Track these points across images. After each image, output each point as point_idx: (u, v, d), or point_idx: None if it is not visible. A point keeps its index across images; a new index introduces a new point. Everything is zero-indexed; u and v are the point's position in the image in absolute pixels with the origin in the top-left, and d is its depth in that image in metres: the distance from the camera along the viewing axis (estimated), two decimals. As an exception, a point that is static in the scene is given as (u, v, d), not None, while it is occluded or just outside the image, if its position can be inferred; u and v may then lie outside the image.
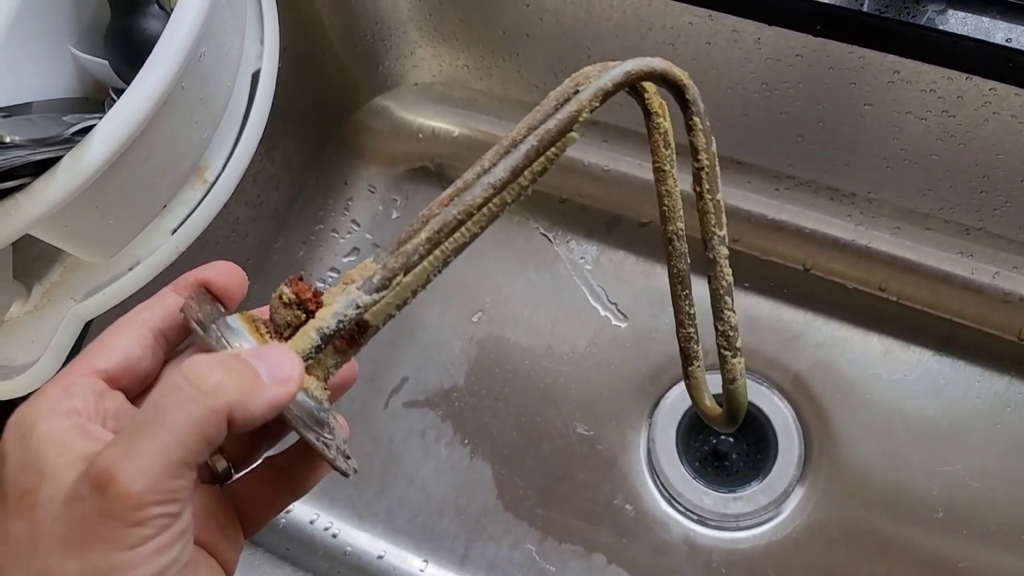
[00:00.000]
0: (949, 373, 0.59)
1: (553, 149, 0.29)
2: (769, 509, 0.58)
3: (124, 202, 0.39)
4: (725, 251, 0.35)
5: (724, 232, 0.35)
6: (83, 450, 0.22)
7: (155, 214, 0.42)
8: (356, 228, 0.67)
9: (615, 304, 0.63)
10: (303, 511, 0.60)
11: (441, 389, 0.62)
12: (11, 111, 0.37)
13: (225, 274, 0.28)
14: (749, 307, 0.62)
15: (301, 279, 0.27)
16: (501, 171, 0.29)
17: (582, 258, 0.65)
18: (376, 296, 0.26)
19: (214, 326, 0.25)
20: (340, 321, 0.26)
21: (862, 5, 0.45)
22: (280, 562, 0.58)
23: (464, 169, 0.67)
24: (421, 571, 0.58)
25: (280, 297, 0.26)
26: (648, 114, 0.33)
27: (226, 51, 0.42)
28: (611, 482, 0.60)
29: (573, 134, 0.29)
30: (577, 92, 0.29)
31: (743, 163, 0.62)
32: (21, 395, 0.42)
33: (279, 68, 0.47)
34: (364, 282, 0.26)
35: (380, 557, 0.59)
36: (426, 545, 0.59)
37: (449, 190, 0.31)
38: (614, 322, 0.63)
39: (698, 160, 0.33)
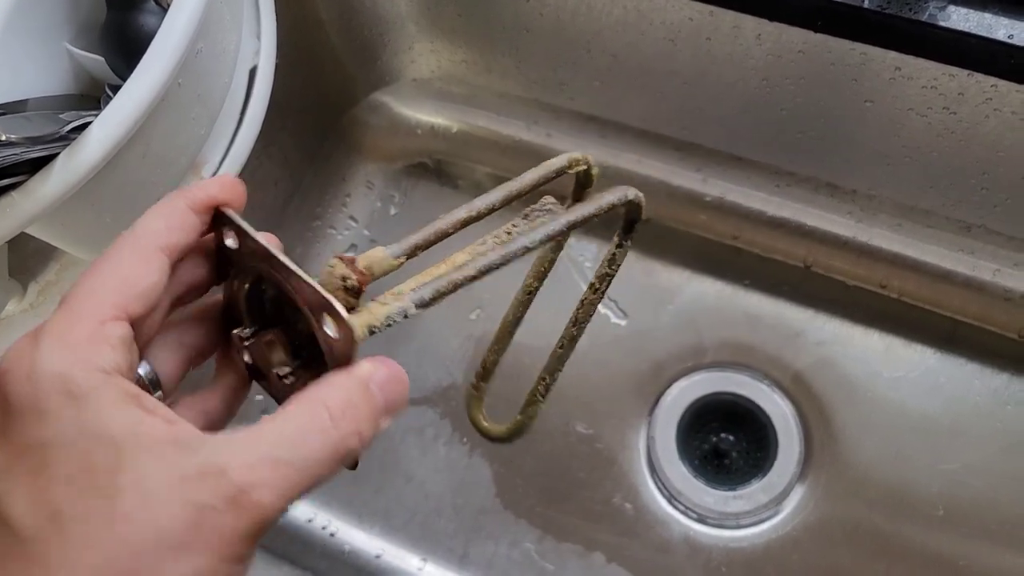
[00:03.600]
0: (950, 371, 0.59)
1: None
2: (769, 507, 0.58)
3: (121, 199, 0.39)
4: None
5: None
6: (159, 435, 0.21)
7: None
8: (354, 224, 0.67)
9: (615, 302, 0.63)
10: (301, 510, 0.59)
11: (439, 387, 0.62)
12: (7, 108, 0.37)
13: (231, 190, 0.25)
14: (749, 305, 0.62)
15: (354, 261, 0.27)
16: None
17: (581, 255, 0.65)
18: (421, 311, 0.27)
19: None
20: (388, 324, 0.26)
21: (863, 2, 0.44)
22: (278, 561, 0.57)
23: (462, 165, 0.67)
24: (419, 570, 0.58)
25: (344, 280, 0.26)
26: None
27: (223, 47, 0.41)
28: (611, 480, 0.59)
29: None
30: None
31: (743, 159, 0.61)
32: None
33: (276, 64, 0.47)
34: (416, 295, 0.27)
35: (378, 556, 0.58)
36: (424, 544, 0.58)
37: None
38: (614, 320, 0.62)
39: (609, 271, 0.37)
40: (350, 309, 0.25)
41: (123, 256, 0.23)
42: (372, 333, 0.25)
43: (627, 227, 0.37)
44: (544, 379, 0.42)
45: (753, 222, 0.63)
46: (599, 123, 0.64)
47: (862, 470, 0.58)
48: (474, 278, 0.30)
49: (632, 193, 0.34)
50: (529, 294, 0.40)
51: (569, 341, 0.41)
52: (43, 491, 0.20)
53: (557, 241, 0.35)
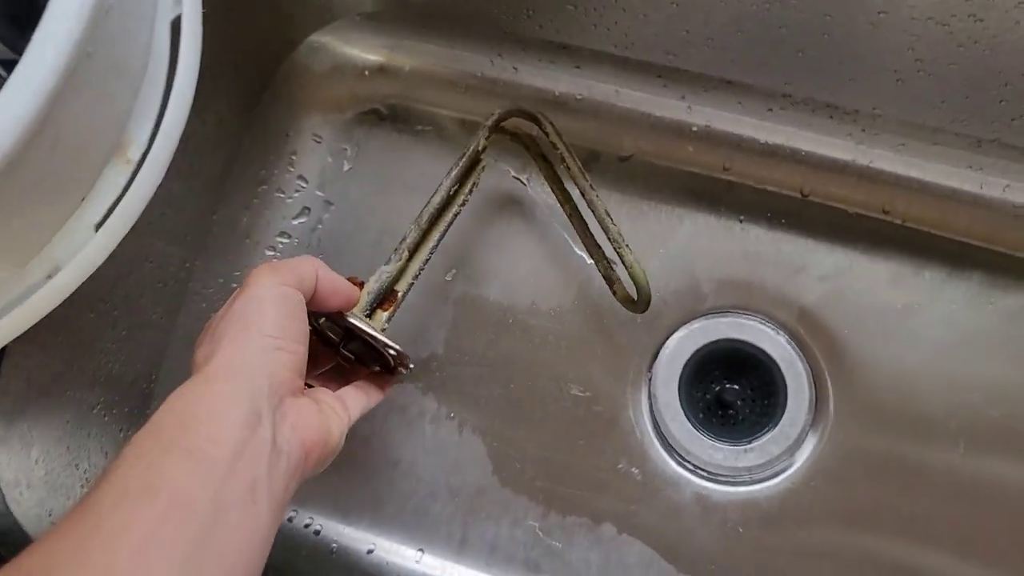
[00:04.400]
0: (961, 296, 0.55)
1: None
2: (782, 459, 0.54)
3: (31, 200, 0.31)
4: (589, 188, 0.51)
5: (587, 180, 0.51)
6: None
7: (72, 208, 0.34)
8: (304, 185, 0.59)
9: (601, 249, 0.57)
10: (280, 510, 0.54)
11: (419, 359, 0.56)
12: None
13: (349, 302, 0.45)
14: (746, 242, 0.57)
15: (354, 278, 0.46)
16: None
17: (577, 199, 0.58)
18: (393, 267, 0.48)
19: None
20: (378, 285, 0.47)
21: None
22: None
23: (421, 108, 0.60)
24: (417, 562, 0.53)
25: (370, 304, 0.47)
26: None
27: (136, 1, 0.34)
28: (613, 445, 0.55)
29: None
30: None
31: (733, 82, 0.56)
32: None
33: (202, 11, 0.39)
34: (386, 261, 0.47)
35: (370, 551, 0.53)
36: (419, 533, 0.54)
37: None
38: (621, 276, 0.57)
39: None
40: (380, 308, 0.48)
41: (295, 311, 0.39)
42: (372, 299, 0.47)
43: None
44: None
45: (745, 151, 0.58)
46: (571, 52, 0.57)
47: (877, 409, 0.54)
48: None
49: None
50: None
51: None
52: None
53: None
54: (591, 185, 0.51)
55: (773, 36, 0.49)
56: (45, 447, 0.43)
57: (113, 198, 0.36)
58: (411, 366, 0.49)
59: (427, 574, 0.53)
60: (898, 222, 0.57)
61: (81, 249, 0.35)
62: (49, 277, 0.35)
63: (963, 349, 0.55)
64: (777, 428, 0.55)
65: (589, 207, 0.51)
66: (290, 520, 0.54)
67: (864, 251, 0.57)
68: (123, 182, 0.36)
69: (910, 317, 0.55)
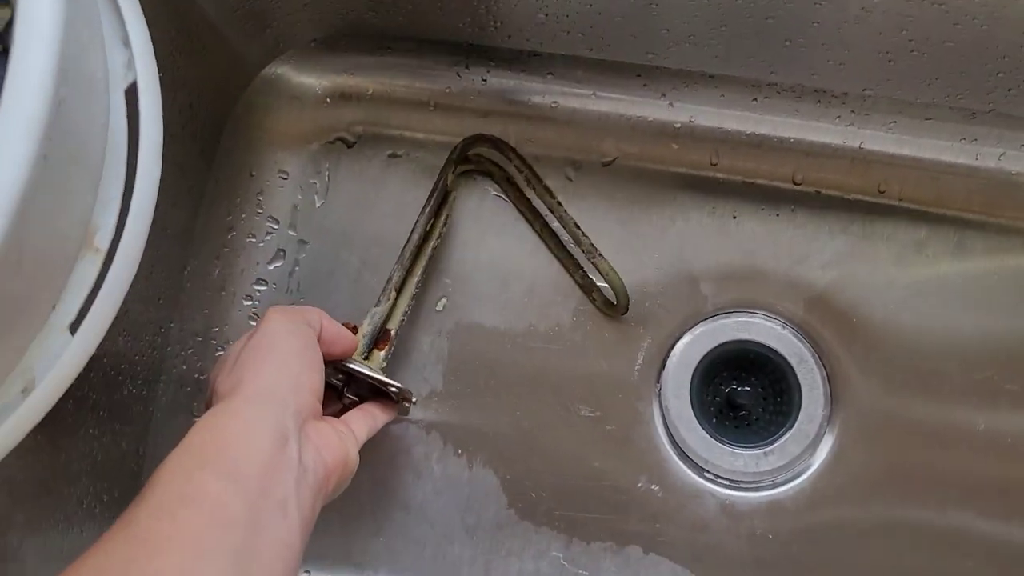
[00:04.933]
0: (966, 271, 0.54)
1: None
2: (803, 457, 0.53)
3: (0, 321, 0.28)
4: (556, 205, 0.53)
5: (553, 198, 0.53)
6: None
7: (44, 319, 0.31)
8: (275, 226, 0.56)
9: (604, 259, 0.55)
10: None
11: (419, 397, 0.54)
12: None
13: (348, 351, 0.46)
14: (742, 237, 0.55)
15: (348, 324, 0.48)
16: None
17: (546, 215, 0.56)
18: (383, 307, 0.49)
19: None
20: (372, 327, 0.49)
21: None
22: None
23: (389, 132, 0.56)
24: (443, 610, 0.51)
25: (367, 346, 0.49)
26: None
27: (90, 78, 0.30)
28: (630, 463, 0.53)
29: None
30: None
31: (715, 76, 0.53)
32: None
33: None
34: (376, 303, 0.49)
35: (393, 605, 0.51)
36: (441, 578, 0.51)
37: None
38: (598, 283, 0.55)
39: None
40: (376, 349, 0.49)
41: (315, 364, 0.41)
42: (368, 340, 0.49)
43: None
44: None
45: (732, 144, 0.56)
46: (543, 59, 0.55)
47: (894, 397, 0.53)
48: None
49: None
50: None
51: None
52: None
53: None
54: (558, 202, 0.53)
55: (759, 28, 0.47)
56: (38, 558, 0.40)
57: (85, 294, 0.33)
58: (414, 400, 0.50)
59: (455, 621, 0.51)
60: (894, 201, 0.55)
61: (58, 356, 0.32)
62: (24, 392, 0.32)
63: (973, 325, 0.54)
64: (795, 427, 0.54)
65: (560, 223, 0.53)
66: (304, 583, 0.51)
67: (863, 234, 0.55)
68: (94, 273, 0.33)
69: (917, 296, 0.54)
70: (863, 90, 0.52)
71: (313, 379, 0.39)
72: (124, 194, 0.34)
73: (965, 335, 0.53)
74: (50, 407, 0.32)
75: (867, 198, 0.55)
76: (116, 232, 0.33)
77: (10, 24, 0.29)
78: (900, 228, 0.55)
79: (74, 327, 0.32)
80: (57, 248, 0.30)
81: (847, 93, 0.52)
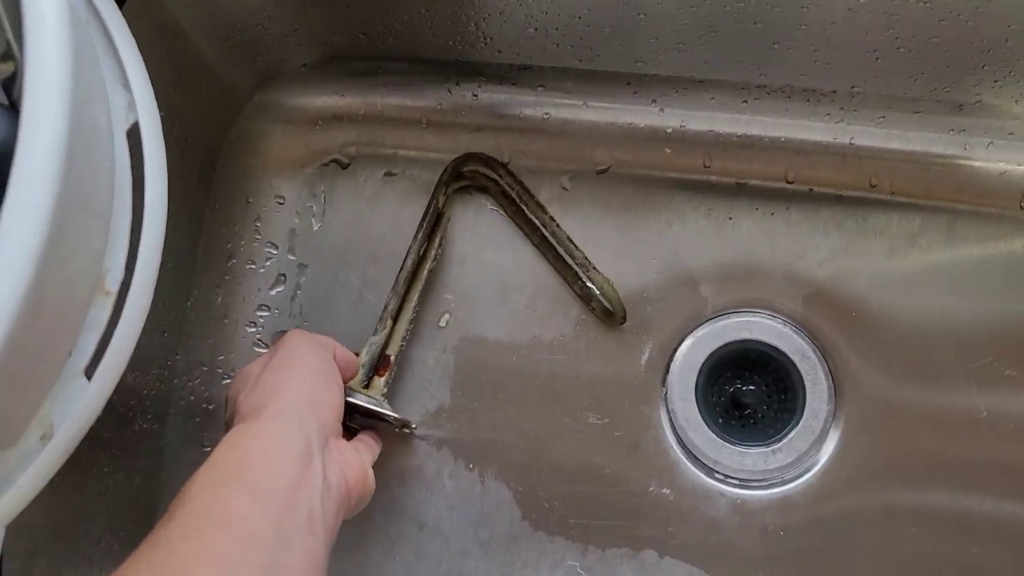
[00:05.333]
0: (960, 260, 0.55)
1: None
2: (811, 453, 0.53)
3: (17, 379, 0.28)
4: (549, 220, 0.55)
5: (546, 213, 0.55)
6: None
7: (61, 366, 0.31)
8: (275, 252, 0.56)
9: (597, 270, 0.55)
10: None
11: (427, 414, 0.54)
12: None
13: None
14: (739, 238, 0.56)
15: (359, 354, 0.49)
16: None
17: (544, 226, 0.56)
18: (380, 336, 0.50)
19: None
20: (370, 356, 0.50)
21: None
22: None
23: (383, 152, 0.57)
24: (463, 626, 0.51)
25: (367, 374, 0.49)
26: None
27: (94, 124, 0.30)
28: (640, 468, 0.54)
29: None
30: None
31: (705, 81, 0.54)
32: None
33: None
34: (373, 332, 0.50)
35: (412, 624, 0.51)
36: (460, 595, 0.52)
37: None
38: (599, 293, 0.55)
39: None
40: (376, 375, 0.50)
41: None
42: (367, 368, 0.50)
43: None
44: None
45: (723, 146, 0.56)
46: (533, 72, 0.55)
47: (896, 388, 0.54)
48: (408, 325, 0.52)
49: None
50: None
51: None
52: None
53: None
54: (551, 217, 0.55)
55: (747, 32, 0.48)
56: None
57: (99, 337, 0.33)
58: (413, 426, 0.52)
59: (476, 637, 0.51)
60: (886, 196, 0.56)
61: (75, 402, 0.32)
62: (44, 439, 0.32)
63: (969, 313, 0.54)
64: (800, 423, 0.54)
65: (552, 238, 0.54)
66: (323, 606, 0.51)
67: (857, 229, 0.56)
68: (106, 316, 0.33)
69: (913, 287, 0.55)
70: (851, 87, 0.52)
71: (335, 397, 0.41)
72: (132, 234, 0.34)
73: (962, 322, 0.54)
74: (70, 452, 0.32)
75: (860, 193, 0.56)
76: (126, 273, 0.34)
77: (12, 77, 0.29)
78: (893, 221, 0.55)
79: (89, 371, 0.32)
80: (72, 296, 0.30)
81: (836, 91, 0.53)
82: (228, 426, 0.39)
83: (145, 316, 0.34)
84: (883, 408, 0.53)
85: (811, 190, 0.56)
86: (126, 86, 0.34)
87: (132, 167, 0.35)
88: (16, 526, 0.36)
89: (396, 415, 0.48)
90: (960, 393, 0.53)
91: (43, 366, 0.30)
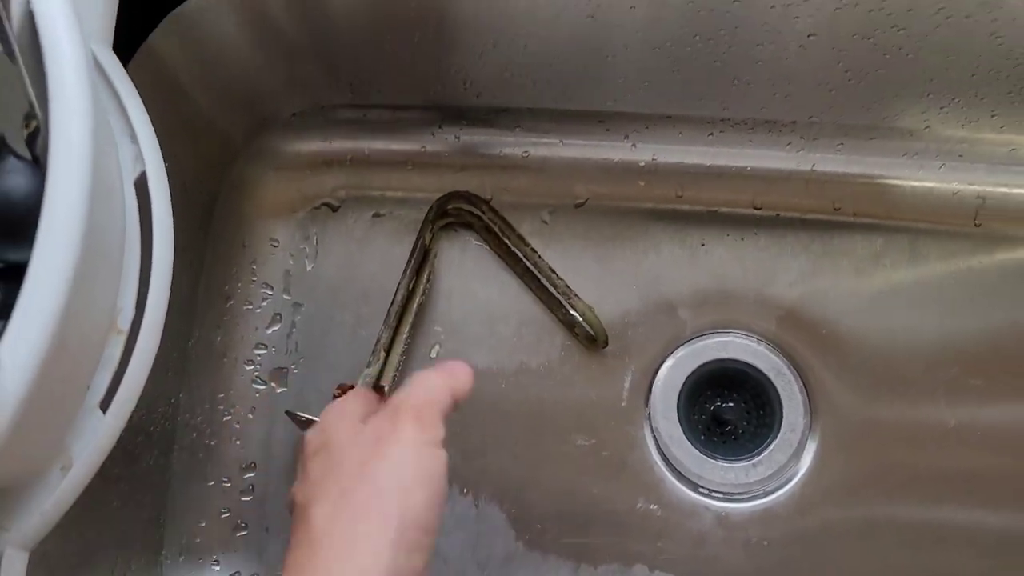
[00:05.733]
0: (922, 277, 0.58)
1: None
2: (790, 465, 0.56)
3: (43, 415, 0.30)
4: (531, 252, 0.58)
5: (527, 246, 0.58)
6: None
7: (80, 401, 0.33)
8: (270, 293, 0.58)
9: (579, 298, 0.58)
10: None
11: (421, 442, 0.56)
12: None
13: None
14: (712, 263, 0.59)
15: (342, 386, 0.49)
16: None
17: (526, 258, 0.59)
18: (374, 368, 0.53)
19: None
20: (364, 387, 0.50)
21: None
22: None
23: (371, 194, 0.59)
24: (463, 646, 0.53)
25: (335, 397, 0.48)
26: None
27: (108, 176, 0.33)
28: (628, 486, 0.56)
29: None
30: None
31: (673, 117, 0.57)
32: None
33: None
34: (367, 364, 0.53)
35: (414, 645, 0.53)
36: (458, 616, 0.54)
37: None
38: (581, 320, 0.58)
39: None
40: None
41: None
42: None
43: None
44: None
45: (693, 177, 0.59)
46: (512, 113, 0.58)
47: (868, 402, 0.56)
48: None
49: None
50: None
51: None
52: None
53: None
54: (532, 249, 0.58)
55: (709, 70, 0.51)
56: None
57: (112, 373, 0.35)
58: None
59: (476, 655, 0.53)
60: (849, 218, 0.59)
61: (92, 434, 0.34)
62: (63, 470, 0.34)
63: (934, 328, 0.57)
64: (779, 436, 0.57)
65: (535, 269, 0.57)
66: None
67: (823, 251, 0.59)
68: (118, 354, 0.35)
69: (879, 304, 0.58)
70: (809, 118, 0.56)
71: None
72: (141, 276, 0.37)
73: (928, 337, 0.57)
74: (87, 482, 0.35)
75: (824, 216, 0.59)
76: (136, 312, 0.36)
77: (35, 134, 0.32)
78: (857, 242, 0.59)
79: (104, 405, 0.35)
80: (89, 337, 0.32)
81: (795, 122, 0.56)
82: (292, 511, 0.36)
83: (155, 353, 0.36)
84: (857, 420, 0.56)
85: (778, 215, 0.59)
86: (133, 138, 0.37)
87: (140, 213, 0.37)
88: (35, 555, 0.38)
89: None
90: (929, 405, 0.56)
91: (64, 402, 0.32)
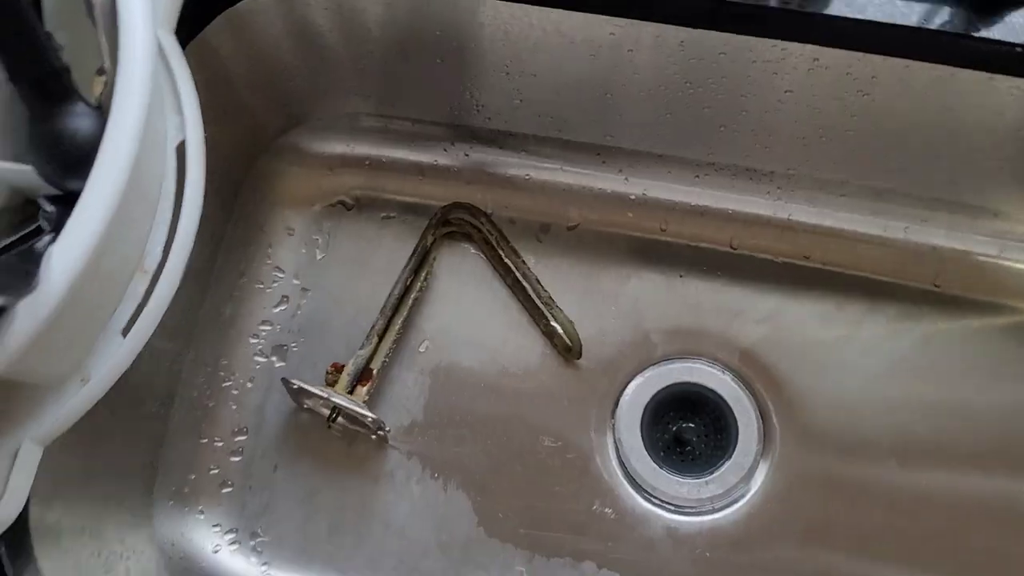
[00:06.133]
0: (881, 327, 0.63)
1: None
2: (739, 487, 0.60)
3: (76, 323, 0.36)
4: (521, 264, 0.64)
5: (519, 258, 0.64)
6: None
7: (104, 324, 0.38)
8: (281, 275, 0.64)
9: (562, 310, 0.63)
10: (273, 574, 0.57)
11: (401, 427, 0.61)
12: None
13: None
14: (688, 294, 0.64)
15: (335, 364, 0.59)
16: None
17: (516, 269, 0.64)
18: (366, 351, 0.59)
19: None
20: (355, 367, 0.58)
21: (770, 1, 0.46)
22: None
23: (383, 197, 0.65)
24: (417, 616, 0.57)
25: (328, 373, 0.60)
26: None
27: (156, 135, 0.39)
28: (587, 488, 0.60)
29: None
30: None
31: (663, 156, 0.63)
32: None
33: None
34: (360, 346, 0.59)
35: (372, 610, 0.57)
36: (416, 588, 0.58)
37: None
38: (561, 331, 0.63)
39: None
40: (359, 385, 0.59)
41: None
42: (352, 378, 0.59)
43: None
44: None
45: (678, 213, 0.65)
46: (518, 138, 0.64)
47: (819, 434, 0.61)
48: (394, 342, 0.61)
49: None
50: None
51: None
52: None
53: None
54: (523, 261, 0.63)
55: (698, 115, 0.57)
56: (72, 538, 0.46)
57: (135, 306, 0.40)
58: (387, 428, 0.59)
59: (428, 625, 0.57)
60: (818, 266, 0.64)
61: (111, 356, 0.39)
62: (83, 382, 0.39)
63: (888, 374, 0.62)
64: (732, 459, 0.61)
65: (524, 279, 0.63)
66: (293, 589, 0.57)
67: (791, 294, 0.64)
68: (142, 291, 0.41)
69: (839, 349, 0.62)
70: (787, 169, 0.61)
71: None
72: (170, 227, 0.42)
73: (879, 384, 0.61)
74: (99, 397, 0.40)
75: (795, 262, 0.64)
76: (162, 258, 0.42)
77: (102, 88, 0.38)
78: (823, 289, 0.63)
79: (125, 332, 0.40)
80: (122, 266, 0.37)
81: (774, 172, 0.62)
82: None
83: (172, 294, 0.42)
84: (806, 452, 0.60)
85: (752, 256, 0.64)
86: (179, 111, 0.43)
87: (177, 175, 0.43)
88: (43, 468, 0.43)
89: (373, 416, 0.55)
90: (875, 441, 0.60)
91: (93, 319, 0.37)
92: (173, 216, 0.42)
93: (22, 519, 0.44)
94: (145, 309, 0.41)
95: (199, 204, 0.43)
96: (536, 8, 0.50)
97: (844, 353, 0.62)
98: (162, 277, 0.41)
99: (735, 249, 0.64)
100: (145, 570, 0.53)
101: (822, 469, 0.60)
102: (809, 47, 0.48)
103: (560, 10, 0.50)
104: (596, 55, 0.53)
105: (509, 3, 0.51)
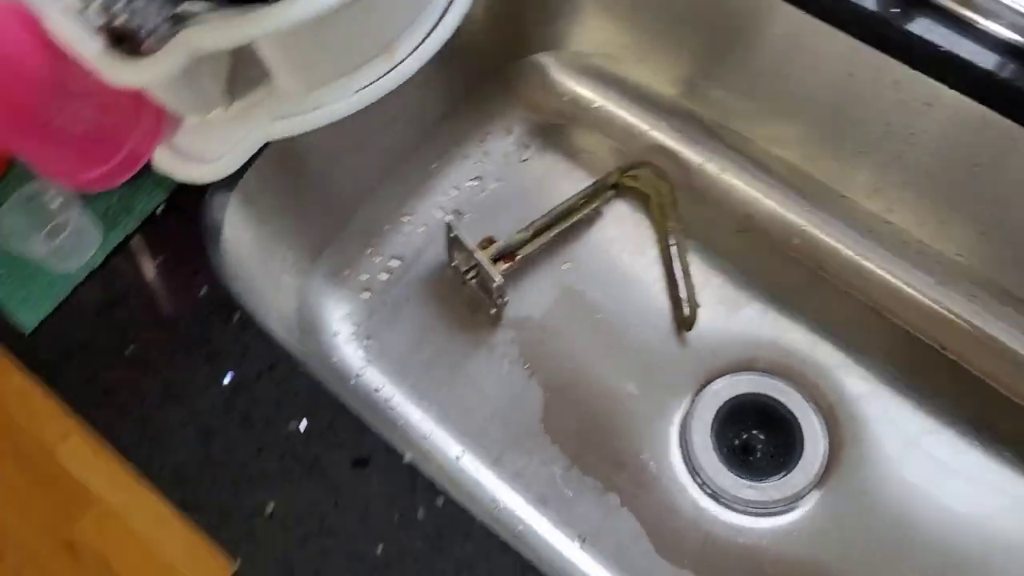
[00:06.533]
0: (978, 451, 0.63)
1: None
2: (777, 505, 0.63)
3: (336, 44, 0.47)
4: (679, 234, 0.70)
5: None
6: None
7: (354, 66, 0.50)
8: (484, 159, 0.75)
9: (693, 287, 0.69)
10: (372, 378, 0.67)
11: (520, 316, 0.69)
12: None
13: None
14: (813, 341, 0.67)
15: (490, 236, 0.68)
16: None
17: (672, 234, 0.71)
18: (520, 237, 0.68)
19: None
20: (506, 243, 0.68)
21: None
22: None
23: (592, 136, 0.74)
24: (457, 458, 0.65)
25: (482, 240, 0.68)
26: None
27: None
28: (644, 438, 0.65)
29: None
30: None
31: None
32: (205, 182, 0.51)
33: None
34: (518, 231, 0.69)
35: (426, 437, 0.66)
36: (467, 439, 0.65)
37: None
38: (685, 300, 0.68)
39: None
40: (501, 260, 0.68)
41: None
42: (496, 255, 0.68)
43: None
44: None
45: (833, 257, 0.69)
46: (726, 132, 0.71)
47: (871, 501, 0.62)
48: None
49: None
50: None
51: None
52: None
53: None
54: (681, 229, 0.70)
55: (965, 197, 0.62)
56: (248, 243, 0.59)
57: (374, 77, 0.52)
58: (506, 299, 0.67)
59: (462, 469, 0.64)
60: (953, 357, 0.65)
61: (339, 102, 0.51)
62: (314, 110, 0.51)
63: (962, 485, 0.62)
64: (781, 480, 0.64)
65: (677, 248, 0.70)
66: (376, 391, 0.67)
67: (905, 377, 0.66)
68: (384, 70, 0.52)
69: (923, 443, 0.64)
70: (955, 255, 0.64)
71: None
72: (421, 41, 0.53)
73: (951, 487, 0.62)
74: (318, 126, 0.51)
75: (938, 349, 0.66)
76: (407, 55, 0.53)
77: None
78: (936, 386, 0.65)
79: (358, 92, 0.52)
80: (384, 28, 0.49)
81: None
82: None
83: (401, 82, 0.52)
84: (853, 512, 0.62)
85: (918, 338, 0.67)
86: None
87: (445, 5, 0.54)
88: (255, 191, 0.56)
89: (498, 280, 0.64)
90: (923, 532, 0.61)
91: (348, 52, 0.49)
92: (428, 33, 0.54)
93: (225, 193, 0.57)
94: (379, 82, 0.52)
95: (453, 27, 0.54)
96: (832, 30, 0.57)
97: (924, 452, 0.63)
98: (402, 65, 0.52)
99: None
100: (282, 311, 0.65)
101: (858, 534, 0.61)
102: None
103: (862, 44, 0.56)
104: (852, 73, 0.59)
105: (813, 19, 0.58)
